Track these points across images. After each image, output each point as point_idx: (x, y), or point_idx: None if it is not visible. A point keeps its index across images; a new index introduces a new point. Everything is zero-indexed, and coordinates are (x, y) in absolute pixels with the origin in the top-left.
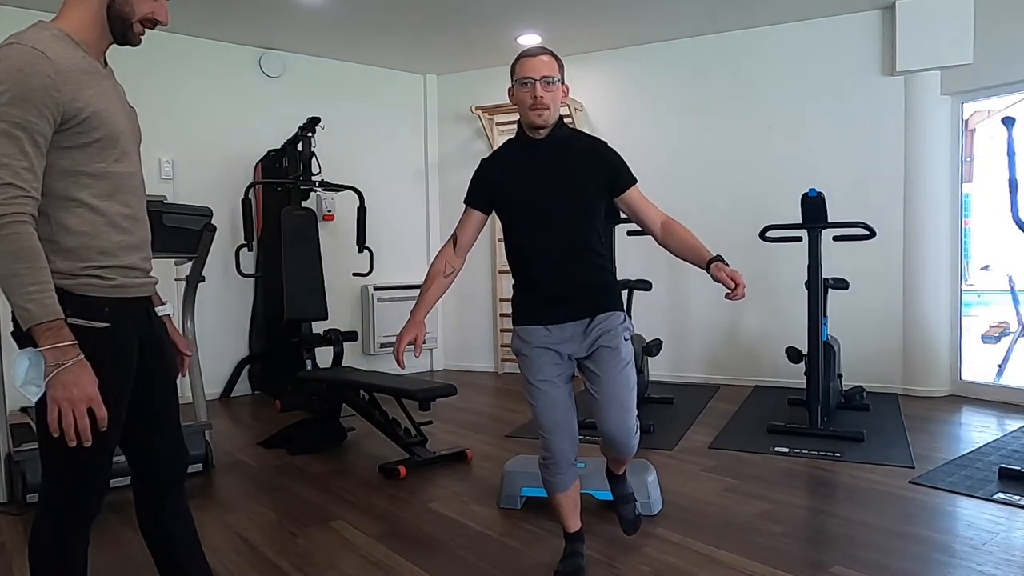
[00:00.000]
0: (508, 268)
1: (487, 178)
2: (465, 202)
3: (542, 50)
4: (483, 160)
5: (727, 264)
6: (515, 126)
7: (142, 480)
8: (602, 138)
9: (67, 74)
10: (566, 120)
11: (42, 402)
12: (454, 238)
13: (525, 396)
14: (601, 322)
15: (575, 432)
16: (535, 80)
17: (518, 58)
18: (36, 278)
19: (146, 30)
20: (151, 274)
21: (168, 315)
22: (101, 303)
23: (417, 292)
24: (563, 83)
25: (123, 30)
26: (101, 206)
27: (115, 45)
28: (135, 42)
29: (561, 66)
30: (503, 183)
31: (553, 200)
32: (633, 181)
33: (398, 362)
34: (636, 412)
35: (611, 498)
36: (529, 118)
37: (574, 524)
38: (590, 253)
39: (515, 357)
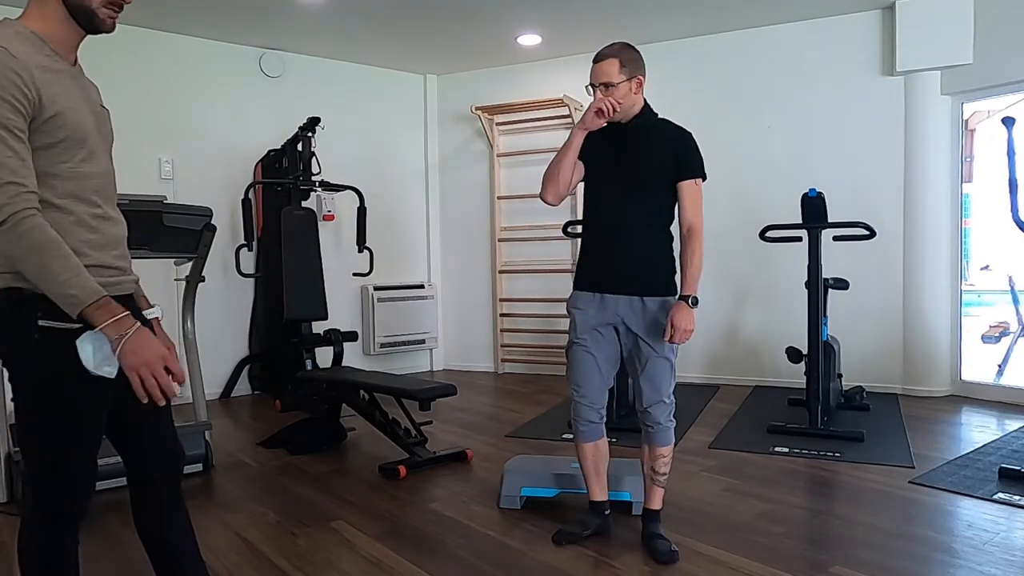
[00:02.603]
0: (508, 268)
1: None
2: None
3: (607, 53)
4: None
5: (692, 308)
6: (515, 125)
7: (136, 480)
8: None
9: (31, 72)
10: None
11: (25, 406)
12: None
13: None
14: (650, 308)
15: (599, 396)
16: (595, 87)
17: (592, 60)
18: (68, 264)
19: (117, 13)
20: (130, 272)
21: (156, 318)
22: None
23: (417, 292)
24: (634, 78)
25: (88, 19)
26: (67, 205)
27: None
28: (106, 29)
29: (625, 64)
30: (589, 148)
31: (620, 178)
32: (690, 176)
33: (606, 108)
34: (670, 391)
35: (618, 497)
36: None
37: (593, 492)
38: (648, 230)
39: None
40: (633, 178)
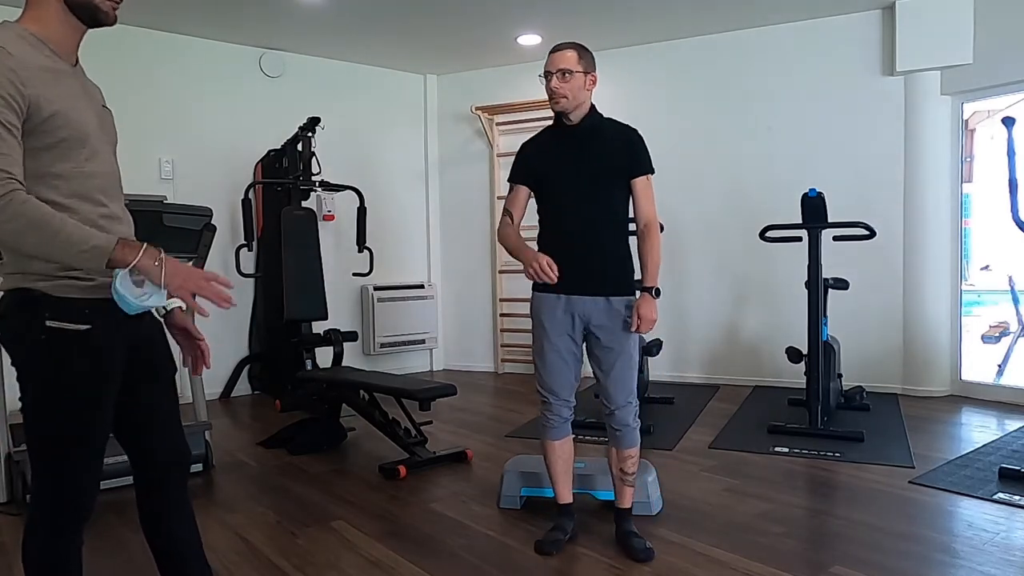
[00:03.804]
0: (508, 268)
1: (525, 156)
2: (509, 180)
3: (565, 45)
4: (523, 142)
5: (655, 298)
6: (515, 125)
7: (143, 479)
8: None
9: (29, 71)
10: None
11: (30, 406)
12: (509, 215)
13: (532, 351)
14: (616, 308)
15: (571, 395)
16: (552, 72)
17: (548, 54)
18: (75, 224)
19: (118, 4)
20: None
21: (179, 307)
22: (80, 304)
23: (417, 292)
24: (589, 73)
25: (91, 13)
26: (73, 205)
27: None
28: (109, 21)
29: (582, 57)
30: (538, 160)
31: (579, 178)
32: (644, 172)
33: (550, 277)
34: (635, 391)
35: (611, 497)
36: (551, 105)
37: (564, 495)
38: (609, 229)
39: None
40: (590, 177)
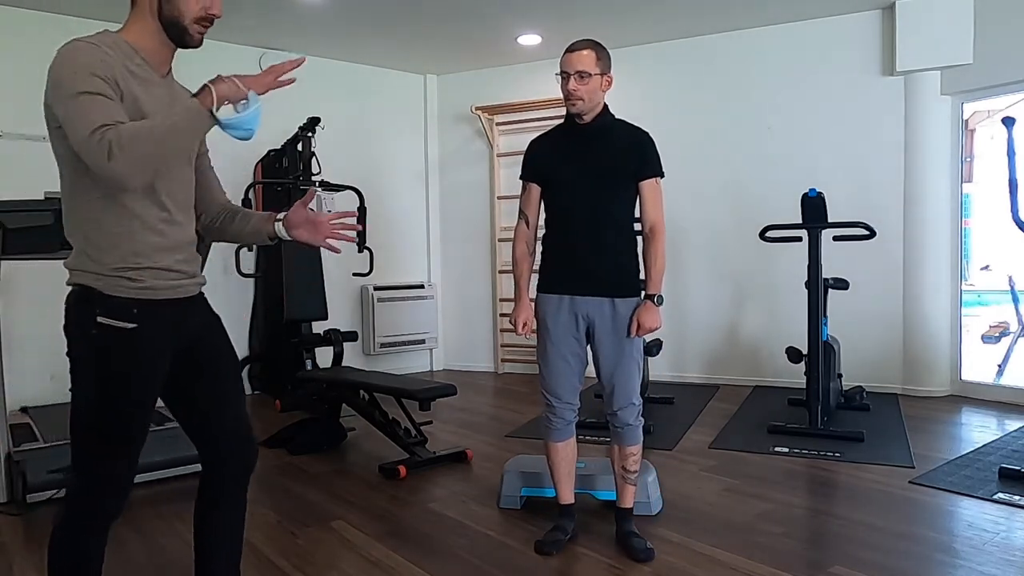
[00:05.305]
0: (508, 268)
1: (535, 153)
2: (521, 178)
3: (584, 44)
4: (532, 139)
5: (658, 306)
6: (515, 125)
7: (206, 471)
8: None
9: (117, 66)
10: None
11: (76, 398)
12: (524, 217)
13: (536, 352)
14: (620, 310)
15: (575, 397)
16: (570, 74)
17: (564, 51)
18: (160, 119)
19: (207, 29)
20: (196, 275)
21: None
22: (129, 304)
23: (417, 292)
24: (605, 75)
25: (180, 34)
26: (135, 208)
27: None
28: (194, 43)
29: (600, 59)
30: (547, 158)
31: (586, 178)
32: (652, 175)
33: (521, 333)
34: (638, 392)
35: (611, 497)
36: (566, 106)
37: (565, 495)
38: (615, 230)
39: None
40: (598, 178)
